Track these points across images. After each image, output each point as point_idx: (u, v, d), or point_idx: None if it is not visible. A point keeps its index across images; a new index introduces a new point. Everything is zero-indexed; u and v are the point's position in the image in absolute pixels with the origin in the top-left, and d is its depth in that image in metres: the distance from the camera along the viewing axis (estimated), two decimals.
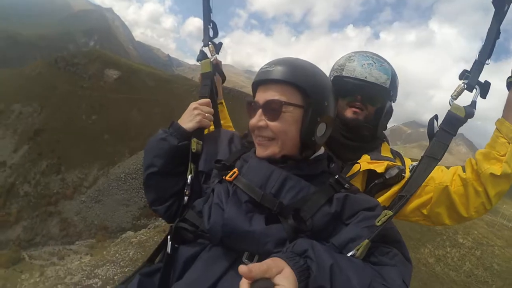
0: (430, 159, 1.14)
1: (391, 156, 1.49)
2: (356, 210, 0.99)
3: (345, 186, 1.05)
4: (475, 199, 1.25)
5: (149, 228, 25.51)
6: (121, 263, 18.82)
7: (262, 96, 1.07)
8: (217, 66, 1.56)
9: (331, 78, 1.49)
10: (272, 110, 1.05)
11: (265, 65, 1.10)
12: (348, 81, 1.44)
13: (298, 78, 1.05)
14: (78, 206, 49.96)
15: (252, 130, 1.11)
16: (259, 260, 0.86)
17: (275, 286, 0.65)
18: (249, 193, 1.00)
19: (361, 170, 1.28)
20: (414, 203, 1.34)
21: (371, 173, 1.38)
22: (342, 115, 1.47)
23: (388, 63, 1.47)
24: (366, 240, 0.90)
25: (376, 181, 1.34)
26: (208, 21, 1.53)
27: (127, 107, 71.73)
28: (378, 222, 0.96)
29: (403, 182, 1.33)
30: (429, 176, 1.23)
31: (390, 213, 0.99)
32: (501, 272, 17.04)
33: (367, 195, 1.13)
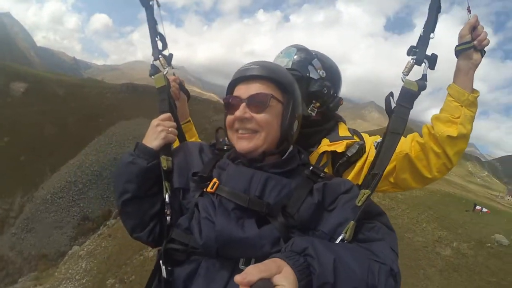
0: (394, 135, 1.17)
1: (350, 135, 1.56)
2: (335, 195, 1.05)
3: (321, 175, 1.12)
4: (436, 161, 1.33)
5: (93, 238, 25.62)
6: (76, 276, 19.32)
7: (245, 91, 1.11)
8: (181, 85, 1.62)
9: None
10: (259, 102, 1.09)
11: (243, 66, 1.16)
12: None
13: (280, 76, 1.13)
14: (10, 240, 47.04)
15: (230, 125, 1.13)
16: (256, 263, 0.80)
17: (275, 286, 0.65)
18: (235, 200, 1.01)
19: (321, 151, 1.44)
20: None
21: (334, 155, 1.46)
22: None
23: (297, 47, 1.57)
24: (352, 222, 0.95)
25: (340, 161, 1.41)
26: (155, 33, 1.51)
27: (39, 121, 67.47)
28: (358, 202, 1.01)
29: (365, 156, 1.45)
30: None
31: (367, 191, 1.04)
32: (404, 199, 21.86)
33: (341, 179, 1.22)
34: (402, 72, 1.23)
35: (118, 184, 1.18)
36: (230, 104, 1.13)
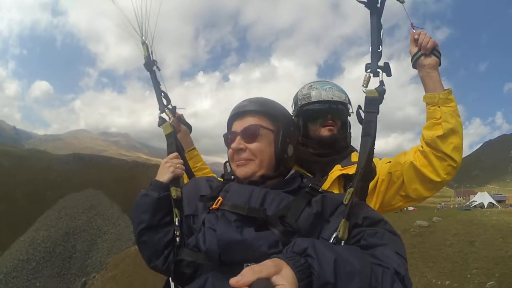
0: (366, 137, 1.28)
1: None
2: (335, 206, 1.11)
3: (320, 190, 1.21)
4: (440, 163, 1.40)
5: None
6: None
7: (240, 125, 1.28)
8: (180, 119, 1.85)
9: (299, 108, 1.74)
10: (250, 133, 1.25)
11: (238, 103, 1.34)
12: (318, 104, 1.69)
13: (268, 108, 1.31)
14: None
15: (231, 157, 1.30)
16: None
17: (275, 286, 0.65)
18: (235, 210, 1.10)
19: (334, 177, 1.54)
20: (392, 189, 1.53)
21: (345, 178, 1.54)
22: (317, 135, 1.69)
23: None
24: (343, 219, 1.02)
25: (351, 184, 1.36)
26: (160, 92, 1.76)
27: None
28: (345, 200, 1.09)
29: (376, 178, 1.53)
30: (396, 162, 1.52)
31: (352, 189, 1.12)
32: None
33: (340, 193, 1.36)
34: (362, 85, 1.37)
35: (135, 215, 1.34)
36: (229, 139, 1.31)
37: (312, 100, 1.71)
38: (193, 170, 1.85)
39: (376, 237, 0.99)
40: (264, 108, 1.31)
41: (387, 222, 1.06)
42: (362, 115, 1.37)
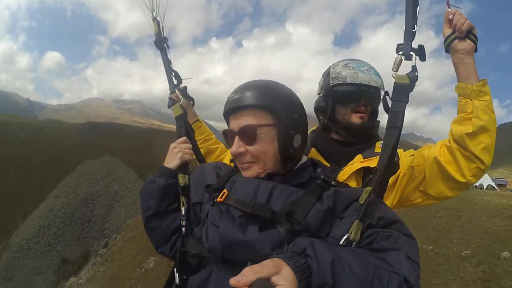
0: (391, 129, 1.16)
1: None
2: (347, 202, 1.03)
3: (332, 183, 1.12)
4: (466, 163, 1.29)
5: (89, 267, 26.92)
6: None
7: (236, 124, 1.14)
8: (181, 91, 1.68)
9: (330, 87, 1.57)
10: (249, 135, 1.12)
11: (231, 93, 1.16)
12: (353, 87, 1.52)
13: (265, 99, 1.12)
14: None
15: (234, 157, 1.18)
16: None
17: (275, 287, 0.65)
18: (240, 207, 1.05)
19: (354, 169, 1.43)
20: (412, 184, 1.43)
21: (366, 170, 1.44)
22: (347, 121, 1.54)
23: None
24: (356, 220, 0.95)
25: (370, 176, 1.26)
26: (170, 71, 1.68)
27: (3, 168, 67.14)
28: (361, 200, 1.01)
29: (398, 172, 1.39)
30: (420, 155, 1.42)
31: (369, 188, 1.03)
32: None
33: (354, 187, 1.28)
34: (392, 69, 1.24)
35: (143, 201, 1.33)
36: (228, 137, 1.20)
37: (347, 81, 1.51)
38: (198, 142, 1.76)
39: (390, 240, 0.93)
40: (260, 101, 1.12)
41: (403, 223, 0.99)
42: (389, 102, 1.23)
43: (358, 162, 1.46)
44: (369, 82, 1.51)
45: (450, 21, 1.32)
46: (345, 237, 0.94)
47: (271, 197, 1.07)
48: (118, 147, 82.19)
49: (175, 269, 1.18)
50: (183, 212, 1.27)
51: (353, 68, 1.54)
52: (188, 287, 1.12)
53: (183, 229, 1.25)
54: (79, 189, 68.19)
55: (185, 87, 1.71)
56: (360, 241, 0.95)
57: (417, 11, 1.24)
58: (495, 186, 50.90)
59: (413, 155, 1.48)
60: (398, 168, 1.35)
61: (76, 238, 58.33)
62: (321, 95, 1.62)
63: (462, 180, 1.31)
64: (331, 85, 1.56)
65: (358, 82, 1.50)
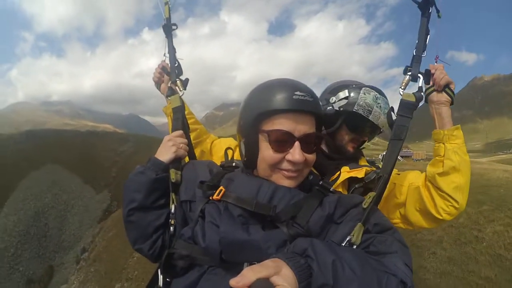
0: (395, 141, 1.24)
1: (367, 164, 1.68)
2: (346, 209, 1.04)
3: (330, 190, 1.13)
4: (441, 201, 1.34)
5: (77, 273, 26.71)
6: None
7: (294, 127, 1.05)
8: (184, 82, 1.64)
9: (352, 112, 1.61)
10: (311, 143, 1.08)
11: (289, 89, 1.05)
12: (370, 125, 1.64)
13: (320, 107, 1.13)
14: None
15: (276, 163, 1.07)
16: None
17: (275, 287, 0.64)
18: (241, 205, 1.01)
19: (341, 178, 1.46)
20: (392, 202, 1.49)
21: (351, 181, 1.50)
22: (343, 146, 1.67)
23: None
24: (359, 223, 0.97)
25: (356, 186, 1.39)
26: (174, 60, 1.64)
27: None
28: (364, 204, 1.04)
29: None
30: (405, 177, 1.47)
31: (373, 193, 1.07)
32: None
33: (353, 194, 1.35)
34: (400, 87, 1.34)
35: (126, 193, 1.22)
36: (282, 141, 1.05)
37: (370, 118, 1.61)
38: None
39: (386, 244, 0.94)
40: (320, 110, 1.13)
41: (397, 231, 1.01)
42: (393, 117, 1.36)
43: (345, 172, 1.52)
44: (382, 126, 1.63)
45: (432, 74, 1.41)
46: (347, 238, 0.96)
47: (273, 198, 1.04)
48: (59, 154, 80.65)
49: (158, 270, 1.13)
50: (172, 210, 1.19)
51: (380, 107, 1.61)
52: None
53: (172, 228, 1.17)
54: (28, 204, 67.31)
55: (187, 79, 1.65)
56: (359, 245, 0.96)
57: (428, 39, 1.38)
58: (400, 158, 61.27)
59: (398, 173, 1.54)
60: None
61: (36, 256, 58.53)
62: (336, 109, 1.65)
63: (438, 216, 1.36)
64: (354, 110, 1.61)
65: (376, 123, 1.62)
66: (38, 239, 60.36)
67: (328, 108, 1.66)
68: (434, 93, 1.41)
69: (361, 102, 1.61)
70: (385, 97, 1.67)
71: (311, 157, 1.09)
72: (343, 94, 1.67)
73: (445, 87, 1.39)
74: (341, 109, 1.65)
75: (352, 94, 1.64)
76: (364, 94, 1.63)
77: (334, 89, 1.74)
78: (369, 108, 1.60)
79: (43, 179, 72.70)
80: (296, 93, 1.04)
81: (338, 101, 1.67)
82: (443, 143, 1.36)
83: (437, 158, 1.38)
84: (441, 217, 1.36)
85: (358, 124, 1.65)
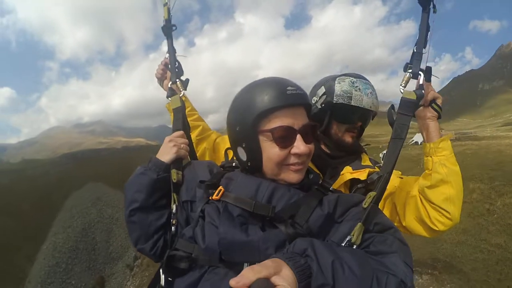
0: (396, 140, 1.22)
1: (371, 164, 1.64)
2: (346, 208, 1.04)
3: (330, 189, 1.13)
4: (434, 212, 1.34)
5: (133, 276, 28.93)
6: None
7: (292, 120, 1.06)
8: (185, 83, 1.67)
9: (333, 103, 1.62)
10: (309, 134, 1.10)
11: (283, 86, 1.06)
12: (357, 110, 1.61)
13: (309, 100, 1.15)
14: None
15: (282, 160, 1.07)
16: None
17: (275, 287, 0.64)
18: (240, 205, 1.01)
19: (344, 179, 1.48)
20: (391, 206, 1.51)
21: (353, 182, 1.50)
22: (339, 138, 1.65)
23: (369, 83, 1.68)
24: (359, 223, 0.96)
25: (358, 186, 1.39)
26: (174, 61, 1.64)
27: None
28: (364, 204, 1.03)
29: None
30: (407, 183, 1.48)
31: (373, 193, 1.06)
32: None
33: (354, 194, 1.36)
34: (400, 85, 1.32)
35: (128, 193, 1.23)
36: (285, 137, 1.05)
37: (352, 103, 1.60)
38: None
39: (386, 244, 0.94)
40: (309, 100, 1.16)
41: (398, 230, 1.01)
42: (394, 115, 1.33)
43: (348, 173, 1.54)
44: (371, 107, 1.62)
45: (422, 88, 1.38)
46: (347, 239, 0.96)
47: (272, 198, 1.04)
48: (99, 172, 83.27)
49: (161, 270, 1.11)
50: (174, 210, 1.20)
51: (359, 89, 1.61)
52: None
53: (173, 227, 1.17)
54: (75, 221, 69.43)
55: (187, 80, 1.66)
56: (359, 245, 0.96)
57: (428, 35, 1.36)
58: None
59: (401, 177, 1.56)
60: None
61: (86, 268, 60.06)
62: (320, 107, 1.67)
63: (434, 227, 1.36)
64: (334, 102, 1.61)
65: (362, 106, 1.60)
66: (87, 253, 61.41)
67: (313, 108, 1.66)
68: (421, 108, 1.40)
69: (339, 92, 1.63)
70: (364, 78, 1.67)
71: (312, 147, 1.12)
72: (321, 91, 1.70)
73: (432, 102, 1.40)
74: (323, 105, 1.67)
75: (329, 88, 1.67)
76: (339, 83, 1.65)
77: (312, 91, 1.77)
78: (348, 94, 1.61)
79: (86, 197, 74.30)
80: (288, 88, 1.07)
81: (318, 99, 1.69)
82: (431, 156, 1.37)
83: (426, 171, 1.39)
84: (436, 228, 1.36)
85: (344, 113, 1.64)
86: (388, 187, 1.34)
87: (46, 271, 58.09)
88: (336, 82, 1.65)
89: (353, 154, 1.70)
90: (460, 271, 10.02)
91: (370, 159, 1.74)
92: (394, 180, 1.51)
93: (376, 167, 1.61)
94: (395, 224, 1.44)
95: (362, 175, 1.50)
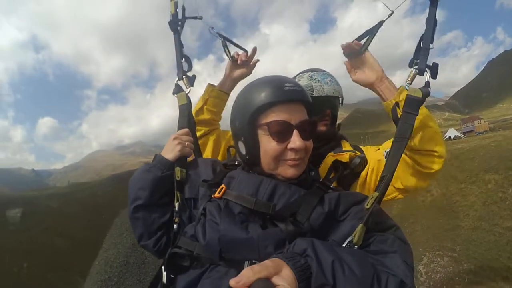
0: (401, 139, 1.18)
1: (351, 149, 1.66)
2: (348, 206, 1.03)
3: (331, 186, 1.13)
4: (423, 158, 1.34)
5: None
6: None
7: (289, 116, 1.08)
8: (191, 79, 1.62)
9: None
10: (308, 129, 1.11)
11: (281, 83, 1.10)
12: (321, 99, 1.63)
13: (308, 97, 1.16)
14: None
15: (280, 155, 1.09)
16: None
17: (275, 287, 0.64)
18: (241, 202, 1.02)
19: (328, 162, 1.45)
20: (374, 177, 1.49)
21: (336, 166, 1.40)
22: None
23: (327, 73, 1.74)
24: (361, 224, 0.94)
25: (344, 172, 1.34)
26: (181, 56, 1.60)
27: (47, 239, 70.77)
28: (367, 205, 1.01)
29: (367, 167, 1.47)
30: (385, 149, 1.47)
31: (376, 194, 1.04)
32: None
33: (354, 191, 1.34)
34: (406, 81, 1.28)
35: (132, 190, 1.24)
36: (281, 131, 1.08)
37: (315, 94, 1.66)
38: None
39: (387, 243, 0.94)
40: (308, 97, 1.16)
41: (399, 228, 1.02)
42: (398, 114, 1.26)
43: (330, 156, 1.54)
44: (333, 93, 1.68)
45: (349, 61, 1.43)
46: (348, 240, 0.95)
47: (273, 195, 1.04)
48: None
49: (163, 267, 1.11)
50: (177, 208, 1.20)
51: (318, 80, 1.68)
52: (175, 286, 1.07)
53: (175, 225, 1.17)
54: (125, 238, 68.45)
55: (194, 76, 1.63)
56: (360, 245, 0.95)
57: (435, 30, 1.30)
58: (461, 135, 58.55)
59: (378, 149, 1.58)
60: (367, 163, 1.46)
61: (137, 281, 59.22)
62: None
63: (429, 171, 1.36)
64: None
65: (324, 94, 1.67)
66: (137, 266, 59.01)
67: None
68: (359, 72, 1.43)
69: None
70: (322, 71, 1.77)
71: (310, 144, 1.13)
72: None
73: (359, 54, 1.40)
74: None
75: None
76: (299, 80, 1.74)
77: None
78: (309, 88, 1.68)
79: None
80: (286, 85, 1.09)
81: None
82: (399, 108, 1.31)
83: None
84: (432, 170, 1.36)
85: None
86: (370, 164, 1.50)
87: (99, 285, 55.72)
88: (296, 80, 1.68)
89: (332, 141, 1.73)
90: (475, 252, 12.13)
91: (351, 145, 1.76)
92: (373, 155, 1.56)
93: (357, 151, 1.64)
94: (393, 194, 1.49)
95: (343, 157, 1.47)
